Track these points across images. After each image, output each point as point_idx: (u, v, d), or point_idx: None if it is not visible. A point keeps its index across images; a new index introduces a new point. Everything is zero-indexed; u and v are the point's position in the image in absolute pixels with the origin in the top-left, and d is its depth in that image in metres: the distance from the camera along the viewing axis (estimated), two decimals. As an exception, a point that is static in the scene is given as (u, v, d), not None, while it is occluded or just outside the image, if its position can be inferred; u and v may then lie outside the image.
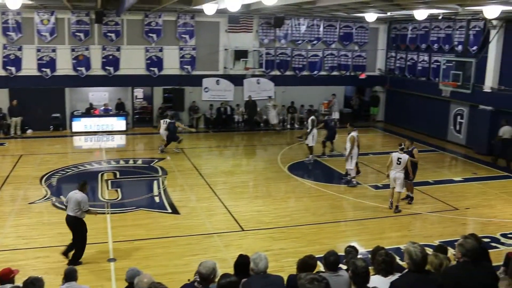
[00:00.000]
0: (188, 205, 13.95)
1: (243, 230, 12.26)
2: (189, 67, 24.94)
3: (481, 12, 16.81)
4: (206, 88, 25.49)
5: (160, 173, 17.06)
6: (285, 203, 14.51)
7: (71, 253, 10.29)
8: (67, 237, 10.44)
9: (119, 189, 15.00)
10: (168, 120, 20.41)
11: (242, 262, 6.37)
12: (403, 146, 13.88)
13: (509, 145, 19.34)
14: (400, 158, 13.64)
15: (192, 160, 19.05)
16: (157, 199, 14.45)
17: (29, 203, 13.86)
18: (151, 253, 10.79)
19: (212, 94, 25.62)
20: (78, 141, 22.47)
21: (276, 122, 25.58)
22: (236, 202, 14.37)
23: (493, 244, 11.63)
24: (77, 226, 10.16)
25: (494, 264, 7.34)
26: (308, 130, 19.31)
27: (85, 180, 10.70)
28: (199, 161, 19.11)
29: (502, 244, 11.76)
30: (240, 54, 25.03)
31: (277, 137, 24.38)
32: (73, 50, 23.46)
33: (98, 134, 23.41)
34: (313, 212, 13.71)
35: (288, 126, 26.40)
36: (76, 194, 10.11)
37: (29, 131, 23.48)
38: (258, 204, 14.24)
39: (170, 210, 13.54)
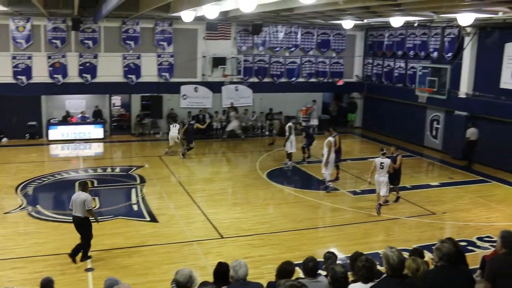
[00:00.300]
0: (167, 213, 13.86)
1: (222, 238, 12.22)
2: (167, 74, 24.86)
3: (456, 19, 17.07)
4: (184, 95, 25.42)
5: (138, 181, 16.94)
6: (264, 209, 14.51)
7: (78, 257, 10.59)
8: (43, 247, 10.29)
9: (96, 198, 14.84)
10: (177, 125, 20.97)
11: (221, 270, 6.34)
12: (385, 151, 14.29)
13: (474, 147, 20.11)
14: (383, 163, 14.08)
15: (170, 168, 18.95)
16: (135, 207, 14.34)
17: (5, 213, 13.63)
18: (129, 262, 10.69)
19: (190, 102, 25.55)
20: (55, 150, 22.20)
21: (240, 131, 24.85)
22: (215, 209, 14.32)
23: (469, 247, 11.78)
24: (85, 225, 10.62)
25: (471, 267, 7.42)
26: (286, 137, 19.40)
27: (85, 180, 10.77)
28: (177, 168, 19.01)
29: (478, 247, 11.91)
30: (218, 61, 25.02)
31: (256, 144, 24.39)
32: (49, 57, 23.21)
33: (75, 142, 23.16)
34: (292, 218, 13.72)
35: (267, 133, 26.43)
36: (81, 195, 10.54)
37: (4, 140, 23.13)
38: (237, 211, 14.21)
39: (148, 218, 13.44)
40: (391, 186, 14.74)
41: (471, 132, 20.10)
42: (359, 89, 28.60)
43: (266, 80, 26.81)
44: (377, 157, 14.33)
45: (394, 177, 14.71)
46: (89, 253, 10.83)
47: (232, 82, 26.05)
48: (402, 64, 25.34)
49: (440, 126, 23.11)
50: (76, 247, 10.64)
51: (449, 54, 22.09)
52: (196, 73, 25.43)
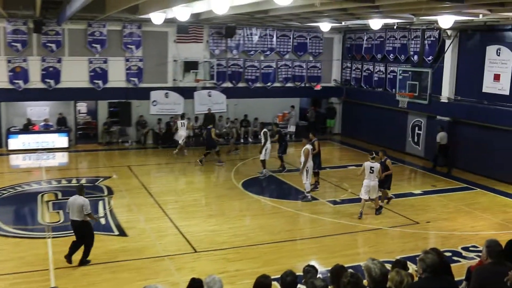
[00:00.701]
0: (137, 227, 13.71)
1: (196, 252, 12.14)
2: (136, 79, 24.70)
3: (436, 22, 17.34)
4: (154, 101, 25.29)
5: (106, 193, 16.73)
6: (240, 221, 14.47)
7: (78, 257, 11.09)
8: (4, 265, 10.03)
9: (61, 211, 14.60)
10: (185, 122, 21.26)
11: (195, 286, 6.28)
12: (374, 155, 14.80)
13: (444, 150, 20.90)
14: (373, 167, 14.60)
15: (140, 178, 18.78)
16: (103, 220, 14.15)
17: (-39, 229, 13.32)
18: (98, 279, 10.52)
19: (160, 108, 25.43)
20: (16, 160, 21.82)
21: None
22: (188, 221, 14.22)
23: (454, 258, 11.89)
24: (84, 229, 11.12)
25: (456, 278, 7.48)
26: (262, 144, 19.41)
27: (82, 184, 11.54)
28: (147, 179, 18.86)
29: (464, 257, 12.03)
30: (190, 66, 24.98)
31: (229, 152, 24.35)
32: (9, 61, 22.84)
33: (38, 152, 22.79)
34: (269, 230, 13.70)
35: (242, 141, 26.41)
36: (78, 199, 11.05)
37: (-39, 150, 22.69)
38: (211, 224, 14.14)
39: (117, 232, 13.28)
40: (381, 189, 15.44)
41: (442, 136, 20.88)
42: (337, 94, 28.81)
43: (240, 85, 26.84)
44: (366, 162, 14.83)
45: (384, 181, 15.40)
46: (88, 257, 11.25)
47: (204, 88, 26.01)
48: (382, 68, 25.62)
49: (422, 132, 23.40)
50: (70, 249, 11.07)
51: (430, 58, 22.41)
52: (167, 78, 25.34)
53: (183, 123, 22.05)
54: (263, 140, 19.34)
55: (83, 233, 11.14)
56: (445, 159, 21.09)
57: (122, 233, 13.25)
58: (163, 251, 12.09)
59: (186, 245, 12.51)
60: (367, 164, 14.68)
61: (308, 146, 16.37)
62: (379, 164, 14.81)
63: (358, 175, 15.03)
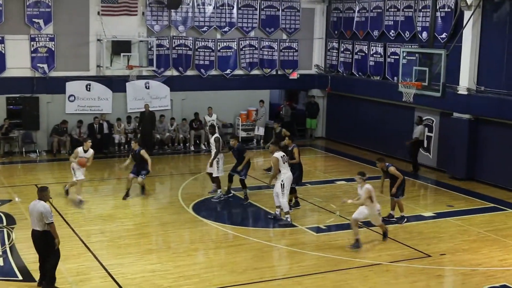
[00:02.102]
0: (49, 267, 13.53)
1: (131, 300, 12.05)
2: (45, 65, 24.51)
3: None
4: (71, 96, 25.08)
5: (5, 223, 16.49)
6: (190, 258, 14.40)
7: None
8: None
9: None
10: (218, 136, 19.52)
11: None
12: (359, 177, 14.99)
13: (419, 147, 23.01)
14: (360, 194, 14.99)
15: (52, 201, 18.55)
16: (0, 261, 13.93)
17: None
18: None
19: (80, 105, 25.23)
20: None
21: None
22: (120, 259, 14.09)
23: (479, 302, 12.08)
24: (47, 241, 11.81)
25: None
26: (213, 154, 19.00)
27: (45, 186, 12.36)
28: (63, 202, 18.64)
29: (491, 301, 12.23)
30: (121, 47, 24.88)
31: (176, 163, 24.26)
32: None
33: None
34: (230, 268, 13.67)
35: (192, 148, 26.34)
36: (37, 205, 11.80)
37: None
38: (152, 261, 14.04)
39: (20, 277, 13.08)
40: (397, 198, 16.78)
41: (421, 131, 22.92)
42: (320, 84, 28.98)
43: (189, 73, 26.81)
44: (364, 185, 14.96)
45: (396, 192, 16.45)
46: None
47: (140, 77, 25.88)
48: (380, 49, 25.89)
49: (433, 134, 23.69)
50: (41, 274, 11.86)
51: (444, 35, 22.73)
52: (88, 64, 25.20)
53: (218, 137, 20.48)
54: (214, 149, 18.98)
55: (46, 246, 11.87)
56: (414, 156, 23.17)
57: (27, 277, 13.03)
58: (86, 300, 11.97)
59: (117, 292, 12.39)
60: (359, 189, 15.17)
61: (277, 154, 16.49)
62: (368, 186, 14.89)
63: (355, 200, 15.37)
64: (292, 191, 17.61)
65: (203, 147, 26.41)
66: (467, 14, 21.52)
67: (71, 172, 18.68)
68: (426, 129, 23.40)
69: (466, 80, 21.80)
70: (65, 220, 16.79)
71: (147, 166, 19.06)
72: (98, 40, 24.94)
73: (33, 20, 24.15)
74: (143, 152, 19.05)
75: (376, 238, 15.65)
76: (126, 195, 19.08)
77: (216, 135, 19.26)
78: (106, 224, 16.77)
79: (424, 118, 23.63)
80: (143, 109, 25.32)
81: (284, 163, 16.62)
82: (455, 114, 22.21)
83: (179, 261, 14.08)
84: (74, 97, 25.15)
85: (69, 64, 24.84)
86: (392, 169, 16.29)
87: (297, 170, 17.55)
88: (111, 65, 25.08)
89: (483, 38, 21.55)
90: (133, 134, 25.54)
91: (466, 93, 21.78)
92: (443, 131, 23.20)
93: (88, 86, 25.27)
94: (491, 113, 21.04)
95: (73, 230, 16.00)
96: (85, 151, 18.64)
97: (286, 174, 16.42)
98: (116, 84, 25.49)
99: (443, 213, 18.32)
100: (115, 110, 25.73)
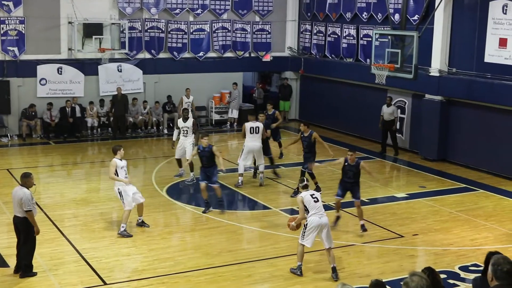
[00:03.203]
0: (22, 252, 13.49)
1: (106, 284, 12.04)
2: (15, 49, 24.29)
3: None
4: (43, 79, 24.89)
5: (-23, 207, 16.39)
6: (165, 241, 14.43)
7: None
8: None
9: None
10: (187, 127, 19.25)
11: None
12: (305, 182, 12.95)
13: (387, 129, 23.15)
14: (314, 194, 12.77)
15: (36, 188, 18.43)
16: (-27, 246, 13.87)
17: None
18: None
19: (52, 89, 25.06)
20: None
21: None
22: (94, 243, 14.10)
23: (450, 281, 12.23)
24: (28, 228, 12.02)
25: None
26: (189, 138, 19.10)
27: (28, 172, 12.44)
28: (35, 186, 18.49)
29: (463, 280, 12.39)
30: (92, 30, 24.73)
31: (150, 147, 24.21)
32: None
33: None
34: (205, 251, 13.73)
35: (165, 131, 26.28)
36: (19, 191, 11.99)
37: None
38: (126, 245, 14.05)
39: (-6, 261, 13.05)
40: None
41: (386, 111, 23.14)
42: (293, 66, 29.02)
43: (162, 55, 26.72)
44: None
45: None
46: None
47: (113, 60, 25.74)
48: (353, 31, 25.96)
49: (406, 116, 23.85)
50: (18, 259, 12.16)
51: (416, 17, 22.85)
52: (60, 47, 25.00)
53: (185, 129, 20.26)
54: (189, 134, 18.99)
55: (26, 233, 12.04)
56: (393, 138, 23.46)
57: (0, 262, 12.99)
58: (60, 286, 11.92)
59: (91, 276, 12.38)
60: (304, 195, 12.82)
61: (250, 124, 18.22)
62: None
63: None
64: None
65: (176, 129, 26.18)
66: (439, -4, 21.67)
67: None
68: (399, 110, 23.52)
69: (438, 62, 21.95)
70: (38, 205, 16.68)
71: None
72: (69, 22, 24.73)
73: (2, 2, 23.87)
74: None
75: (350, 219, 15.75)
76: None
77: (192, 119, 19.30)
78: (79, 208, 16.72)
79: (396, 100, 23.80)
80: (116, 92, 25.18)
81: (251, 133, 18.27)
82: (427, 96, 22.39)
83: (153, 245, 14.10)
84: (46, 81, 24.96)
85: (40, 47, 24.62)
86: (362, 164, 15.09)
87: (313, 155, 17.89)
88: (82, 48, 24.89)
89: (454, 20, 21.71)
90: (106, 117, 25.48)
91: (438, 74, 21.94)
92: (415, 113, 23.38)
93: (60, 70, 25.08)
94: (462, 95, 21.23)
95: (46, 215, 15.92)
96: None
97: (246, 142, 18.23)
98: (88, 67, 25.33)
99: (416, 194, 18.52)
100: (87, 93, 25.59)
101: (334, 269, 12.49)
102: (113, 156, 14.78)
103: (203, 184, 16.39)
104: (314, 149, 18.00)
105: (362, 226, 14.95)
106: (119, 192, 14.66)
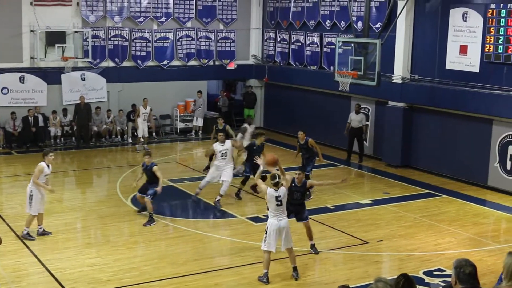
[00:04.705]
0: (-16, 264, 13.32)
1: (70, 295, 11.91)
2: (-24, 58, 23.98)
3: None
4: (4, 88, 24.64)
5: None
6: (130, 251, 14.34)
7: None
8: None
9: None
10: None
11: None
12: (277, 179, 12.58)
13: (355, 136, 23.22)
14: (280, 196, 12.50)
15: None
16: None
17: None
18: None
19: (14, 98, 24.81)
20: None
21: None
22: (58, 254, 13.96)
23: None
24: None
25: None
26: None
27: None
28: (-2, 197, 18.35)
29: (427, 285, 12.49)
30: (55, 38, 24.56)
31: (114, 156, 24.03)
32: None
33: None
34: (171, 260, 13.68)
35: (130, 140, 26.12)
36: None
37: None
38: (91, 255, 13.94)
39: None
40: None
41: (354, 118, 23.18)
42: (258, 74, 29.07)
43: (126, 64, 26.61)
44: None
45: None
46: None
47: (76, 68, 25.55)
48: (316, 39, 26.09)
49: (369, 123, 24.00)
50: None
51: (378, 25, 23.03)
52: (22, 56, 24.79)
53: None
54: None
55: None
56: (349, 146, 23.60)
57: (-38, 274, 12.81)
58: (23, 297, 11.79)
59: (55, 287, 12.27)
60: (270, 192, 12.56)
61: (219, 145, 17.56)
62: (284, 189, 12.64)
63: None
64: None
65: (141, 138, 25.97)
66: (400, 4, 21.85)
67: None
68: (365, 117, 23.61)
69: (400, 69, 22.16)
70: (0, 216, 16.51)
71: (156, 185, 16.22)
72: (32, 31, 24.54)
73: (-37, 11, 23.64)
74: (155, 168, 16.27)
75: (315, 226, 15.78)
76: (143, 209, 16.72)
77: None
78: (42, 218, 16.53)
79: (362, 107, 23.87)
80: (79, 101, 24.95)
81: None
82: (390, 103, 22.57)
83: (118, 255, 14.01)
84: (8, 90, 24.70)
85: (1, 55, 24.34)
86: (309, 182, 14.60)
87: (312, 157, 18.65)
88: (45, 57, 24.69)
89: (416, 28, 21.95)
90: (70, 126, 25.26)
91: (400, 81, 22.13)
92: (378, 119, 23.55)
93: (22, 78, 24.84)
94: (425, 101, 21.45)
95: (9, 226, 15.77)
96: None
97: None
98: (51, 76, 25.12)
99: (380, 200, 18.63)
100: (50, 102, 25.34)
101: (294, 269, 12.72)
102: (42, 159, 15.07)
103: (139, 195, 16.64)
104: (312, 152, 18.71)
105: (313, 246, 14.22)
106: (30, 195, 14.81)
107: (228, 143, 17.97)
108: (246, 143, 19.96)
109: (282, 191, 12.49)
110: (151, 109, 25.18)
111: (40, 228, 15.13)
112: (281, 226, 12.40)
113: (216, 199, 17.45)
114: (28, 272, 13.03)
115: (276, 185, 12.43)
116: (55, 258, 13.72)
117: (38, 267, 13.26)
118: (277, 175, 12.72)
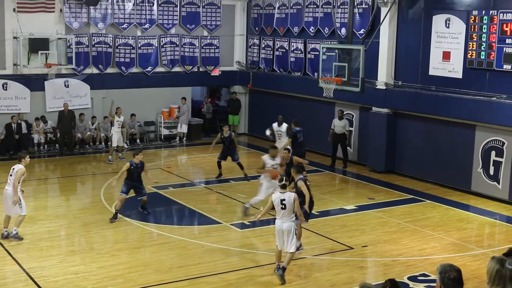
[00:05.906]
0: (-34, 273, 13.23)
1: (54, 303, 11.86)
2: (-41, 65, 23.85)
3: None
4: (-13, 95, 24.53)
5: None
6: (114, 258, 14.28)
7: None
8: None
9: None
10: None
11: None
12: (284, 182, 12.92)
13: (338, 142, 23.35)
14: (284, 200, 12.66)
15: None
16: None
17: None
18: None
19: (-3, 105, 24.71)
20: None
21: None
22: (42, 262, 13.88)
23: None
24: None
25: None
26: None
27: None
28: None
29: (412, 291, 12.53)
30: (38, 45, 24.46)
31: (98, 162, 23.96)
32: None
33: None
34: (156, 267, 13.65)
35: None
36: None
37: None
38: (75, 263, 13.87)
39: None
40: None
41: (337, 124, 23.30)
42: (242, 81, 29.10)
43: (110, 71, 26.54)
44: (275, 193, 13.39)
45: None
46: None
47: (59, 75, 25.46)
48: (300, 45, 26.16)
49: (353, 129, 24.07)
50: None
51: (362, 31, 23.12)
52: (5, 63, 24.67)
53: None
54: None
55: None
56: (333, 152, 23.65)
57: None
58: (7, 305, 11.72)
59: (39, 295, 12.18)
60: (276, 197, 12.83)
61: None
62: (293, 194, 12.89)
63: (263, 212, 13.84)
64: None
65: (125, 145, 25.79)
66: (383, 10, 21.99)
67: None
68: (348, 122, 23.68)
69: (384, 75, 22.26)
70: (-17, 223, 16.40)
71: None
72: (15, 37, 24.40)
73: None
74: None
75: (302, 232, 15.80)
76: (115, 217, 16.79)
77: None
78: (26, 226, 16.35)
79: (345, 113, 23.89)
80: (63, 108, 24.84)
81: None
82: (374, 109, 22.65)
83: (102, 262, 13.95)
84: (-10, 97, 24.61)
85: (-16, 63, 24.28)
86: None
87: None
88: (28, 63, 24.55)
89: (399, 34, 22.07)
90: (53, 133, 25.16)
91: (384, 87, 22.24)
92: (362, 125, 23.63)
93: (5, 85, 24.69)
94: (408, 107, 21.56)
95: (-8, 233, 15.65)
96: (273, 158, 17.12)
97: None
98: (34, 82, 25.00)
99: (364, 205, 18.68)
100: (34, 109, 25.22)
101: (283, 269, 12.73)
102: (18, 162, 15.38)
103: (123, 196, 16.84)
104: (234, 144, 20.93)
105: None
106: (19, 197, 14.97)
107: (278, 159, 17.10)
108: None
109: (289, 195, 12.75)
110: (124, 119, 24.76)
111: (15, 230, 15.12)
112: (283, 229, 12.75)
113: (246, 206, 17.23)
114: (12, 280, 12.98)
115: (283, 187, 12.84)
116: (38, 266, 13.63)
117: (22, 275, 13.17)
118: (284, 178, 13.12)
